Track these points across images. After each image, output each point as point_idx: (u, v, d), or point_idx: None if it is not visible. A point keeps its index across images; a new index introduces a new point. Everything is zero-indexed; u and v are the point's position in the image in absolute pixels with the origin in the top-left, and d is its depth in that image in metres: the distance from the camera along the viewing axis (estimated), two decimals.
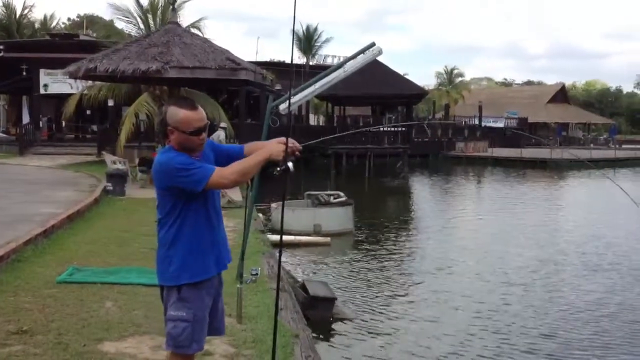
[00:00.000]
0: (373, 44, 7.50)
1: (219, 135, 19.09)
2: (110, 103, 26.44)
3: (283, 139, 3.28)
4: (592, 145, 58.08)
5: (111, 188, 14.86)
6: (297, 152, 3.29)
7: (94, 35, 48.42)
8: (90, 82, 24.24)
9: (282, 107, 7.58)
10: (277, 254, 9.81)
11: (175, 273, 3.25)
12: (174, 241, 3.26)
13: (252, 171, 3.21)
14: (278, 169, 3.21)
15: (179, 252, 3.25)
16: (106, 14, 65.23)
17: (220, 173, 3.14)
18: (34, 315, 5.61)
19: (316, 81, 7.62)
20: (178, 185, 3.15)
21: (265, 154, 3.19)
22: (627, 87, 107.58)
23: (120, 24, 40.82)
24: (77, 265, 7.47)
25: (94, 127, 32.18)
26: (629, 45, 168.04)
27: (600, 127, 79.80)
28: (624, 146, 58.00)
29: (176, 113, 3.21)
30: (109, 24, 60.21)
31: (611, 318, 8.96)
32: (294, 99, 7.60)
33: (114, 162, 17.36)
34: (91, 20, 60.78)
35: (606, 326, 8.62)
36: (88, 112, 31.63)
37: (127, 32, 31.43)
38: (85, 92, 24.57)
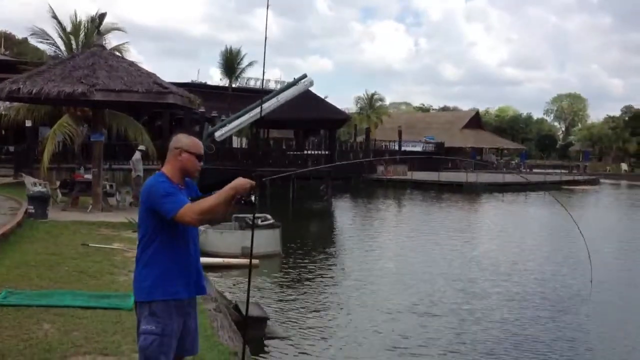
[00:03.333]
0: (305, 76, 7.96)
1: (136, 155, 19.57)
2: (28, 124, 25.82)
3: (242, 179, 3.51)
4: (504, 169, 60.77)
5: (33, 211, 14.54)
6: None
7: (7, 53, 46.95)
8: (7, 103, 23.65)
9: (217, 134, 7.91)
10: (208, 275, 10.06)
11: (147, 290, 3.51)
12: (150, 261, 3.53)
13: (219, 209, 3.38)
14: (242, 201, 3.44)
15: (153, 271, 3.52)
16: (18, 32, 63.37)
17: (189, 209, 3.37)
18: None
19: (250, 110, 7.99)
20: (156, 209, 3.45)
21: (232, 191, 3.40)
22: (537, 114, 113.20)
23: (34, 42, 39.91)
24: (9, 288, 7.45)
25: (10, 148, 31.21)
26: (539, 73, 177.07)
27: (512, 152, 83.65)
28: (534, 170, 61.05)
29: (190, 138, 3.70)
30: (23, 42, 58.57)
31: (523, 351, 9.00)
32: (228, 127, 7.94)
33: (35, 184, 17.01)
34: (5, 38, 58.78)
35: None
36: (3, 132, 30.73)
37: (42, 50, 30.89)
38: (4, 112, 23.92)
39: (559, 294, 12.70)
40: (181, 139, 3.69)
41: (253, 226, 4.17)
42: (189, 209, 3.37)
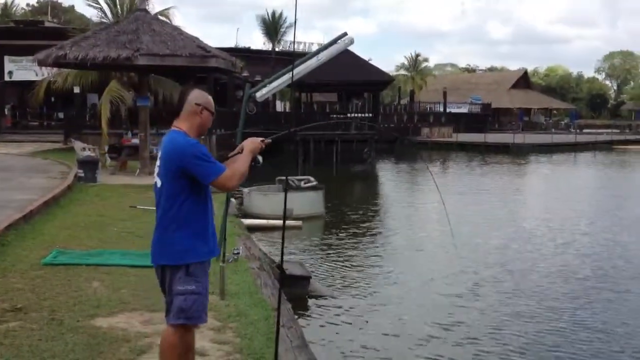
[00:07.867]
0: (345, 34, 7.85)
1: None
2: (76, 90, 26.26)
3: (254, 138, 3.63)
4: (553, 130, 59.40)
5: (83, 175, 14.90)
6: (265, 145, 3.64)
7: (55, 21, 47.70)
8: (56, 69, 24.08)
9: (258, 94, 7.89)
10: (252, 236, 10.21)
11: (182, 253, 3.44)
12: (183, 223, 3.44)
13: (246, 172, 3.49)
14: (253, 164, 3.57)
15: (187, 234, 3.44)
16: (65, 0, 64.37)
17: (229, 174, 3.38)
18: (26, 295, 5.85)
19: (290, 70, 7.92)
20: (190, 170, 3.36)
21: (251, 155, 3.51)
22: (588, 73, 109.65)
23: (80, 9, 40.37)
24: (59, 248, 7.69)
25: (60, 115, 31.90)
26: (590, 30, 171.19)
27: (561, 112, 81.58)
28: (584, 131, 59.52)
29: (206, 95, 3.57)
30: (69, 10, 59.47)
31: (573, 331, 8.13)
32: (268, 88, 7.91)
33: (84, 149, 17.38)
34: (52, 6, 59.78)
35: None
36: (52, 99, 31.38)
37: (89, 17, 31.21)
38: (52, 79, 24.39)
39: (616, 270, 11.29)
40: (200, 97, 3.54)
41: (286, 186, 4.22)
42: (233, 175, 3.39)
